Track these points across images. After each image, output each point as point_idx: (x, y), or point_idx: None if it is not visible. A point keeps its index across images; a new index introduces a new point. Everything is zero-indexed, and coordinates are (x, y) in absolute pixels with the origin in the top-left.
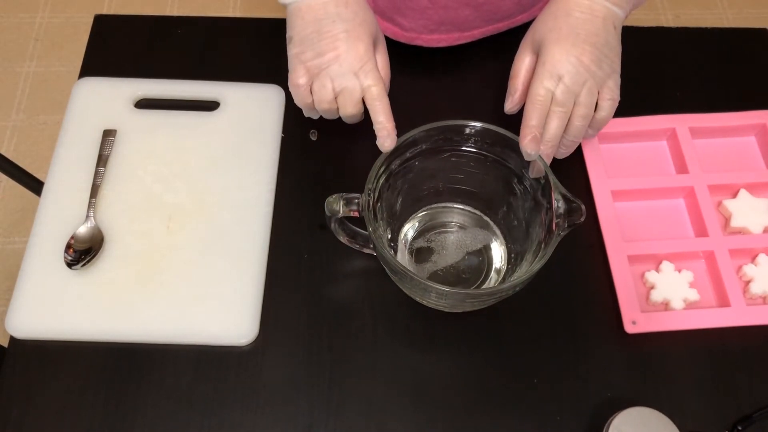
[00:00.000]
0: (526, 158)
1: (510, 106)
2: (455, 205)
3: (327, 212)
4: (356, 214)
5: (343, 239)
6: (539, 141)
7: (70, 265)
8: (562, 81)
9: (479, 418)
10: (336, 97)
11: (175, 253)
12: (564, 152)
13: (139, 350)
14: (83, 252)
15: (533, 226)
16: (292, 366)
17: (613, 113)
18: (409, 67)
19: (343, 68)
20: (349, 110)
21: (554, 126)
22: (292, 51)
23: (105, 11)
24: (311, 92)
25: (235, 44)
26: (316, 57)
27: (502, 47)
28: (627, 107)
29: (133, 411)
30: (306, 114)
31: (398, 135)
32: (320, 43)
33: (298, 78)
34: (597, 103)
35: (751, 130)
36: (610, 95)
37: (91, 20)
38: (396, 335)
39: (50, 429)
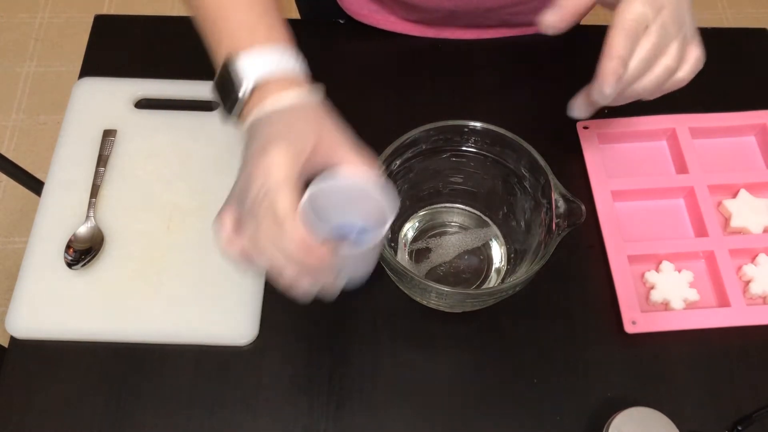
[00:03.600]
0: (598, 96)
1: (554, 19)
2: (455, 205)
3: None
4: None
5: None
6: (620, 77)
7: (70, 265)
8: (663, 11)
9: (479, 418)
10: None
11: (175, 252)
12: (618, 102)
13: (139, 350)
14: (83, 252)
15: (533, 227)
16: (292, 366)
17: (690, 78)
18: (410, 66)
19: (247, 190)
20: (260, 245)
21: (640, 63)
22: None
23: (105, 11)
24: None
25: None
26: (234, 186)
27: (505, 48)
28: (627, 107)
29: (133, 411)
30: (249, 269)
31: (398, 135)
32: (241, 164)
33: (222, 215)
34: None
35: (751, 130)
36: (697, 53)
37: (91, 20)
38: (396, 335)
39: (50, 429)
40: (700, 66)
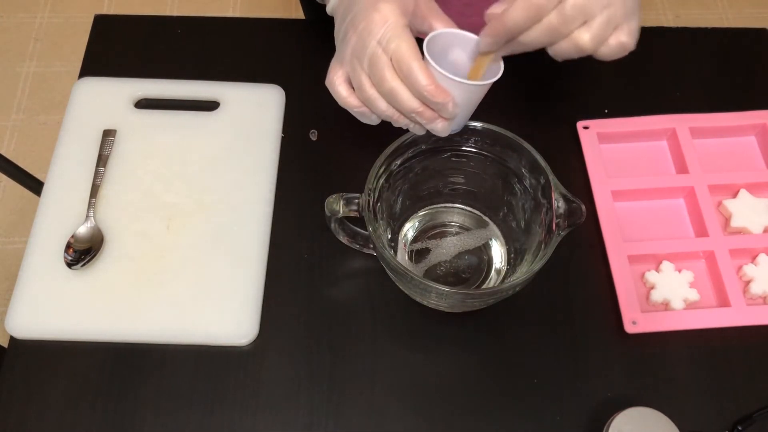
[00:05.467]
0: (482, 47)
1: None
2: (455, 205)
3: (327, 212)
4: (356, 214)
5: (343, 239)
6: (501, 36)
7: (70, 265)
8: None
9: (479, 418)
10: (374, 84)
11: (175, 253)
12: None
13: (139, 350)
14: (83, 252)
15: (533, 226)
16: (292, 366)
17: (616, 57)
18: None
19: (364, 41)
20: (386, 85)
21: (536, 37)
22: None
23: (105, 11)
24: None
25: (235, 44)
26: (342, 47)
27: None
28: (627, 107)
29: (133, 411)
30: (365, 120)
31: (398, 135)
32: (342, 29)
33: (332, 75)
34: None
35: (751, 130)
36: (622, 40)
37: (91, 20)
38: (396, 335)
39: (50, 429)
40: (623, 52)
